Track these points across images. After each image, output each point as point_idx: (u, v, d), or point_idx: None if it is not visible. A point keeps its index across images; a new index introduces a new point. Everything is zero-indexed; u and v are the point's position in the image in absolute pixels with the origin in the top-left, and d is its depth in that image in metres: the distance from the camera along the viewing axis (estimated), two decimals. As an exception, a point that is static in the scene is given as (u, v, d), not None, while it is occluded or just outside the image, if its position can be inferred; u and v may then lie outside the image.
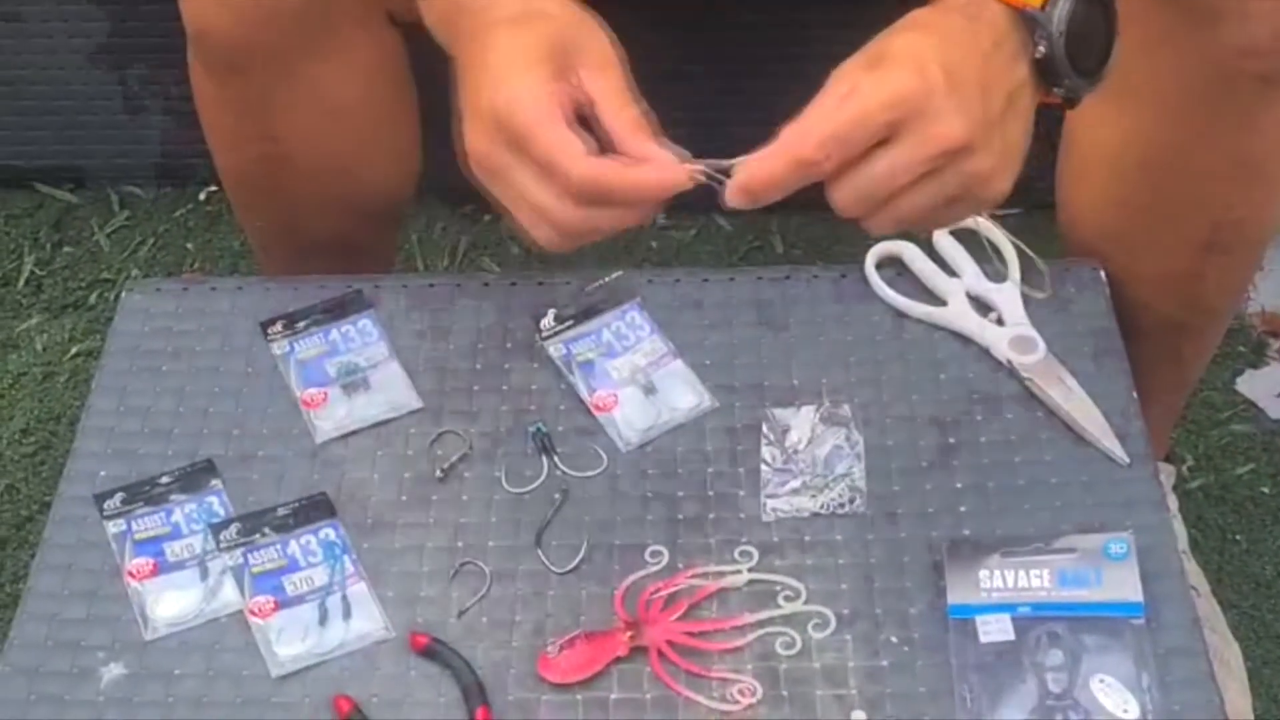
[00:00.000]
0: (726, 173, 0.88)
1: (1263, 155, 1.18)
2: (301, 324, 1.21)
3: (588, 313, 1.20)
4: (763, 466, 1.12)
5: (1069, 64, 0.89)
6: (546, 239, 0.90)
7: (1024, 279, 1.19)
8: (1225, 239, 1.23)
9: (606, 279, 1.23)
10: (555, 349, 1.19)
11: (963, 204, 0.89)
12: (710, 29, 1.67)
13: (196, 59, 1.26)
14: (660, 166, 0.88)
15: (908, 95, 0.84)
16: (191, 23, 1.23)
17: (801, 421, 1.14)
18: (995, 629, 1.01)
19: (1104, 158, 1.20)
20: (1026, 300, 1.18)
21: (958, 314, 1.19)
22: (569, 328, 1.20)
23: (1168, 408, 1.43)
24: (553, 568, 1.07)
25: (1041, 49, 0.89)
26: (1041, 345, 1.16)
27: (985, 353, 1.18)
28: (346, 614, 1.05)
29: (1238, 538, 1.57)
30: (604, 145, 0.90)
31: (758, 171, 0.86)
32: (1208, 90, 1.12)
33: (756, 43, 1.68)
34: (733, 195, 0.87)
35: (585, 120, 0.90)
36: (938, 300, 1.21)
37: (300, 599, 1.05)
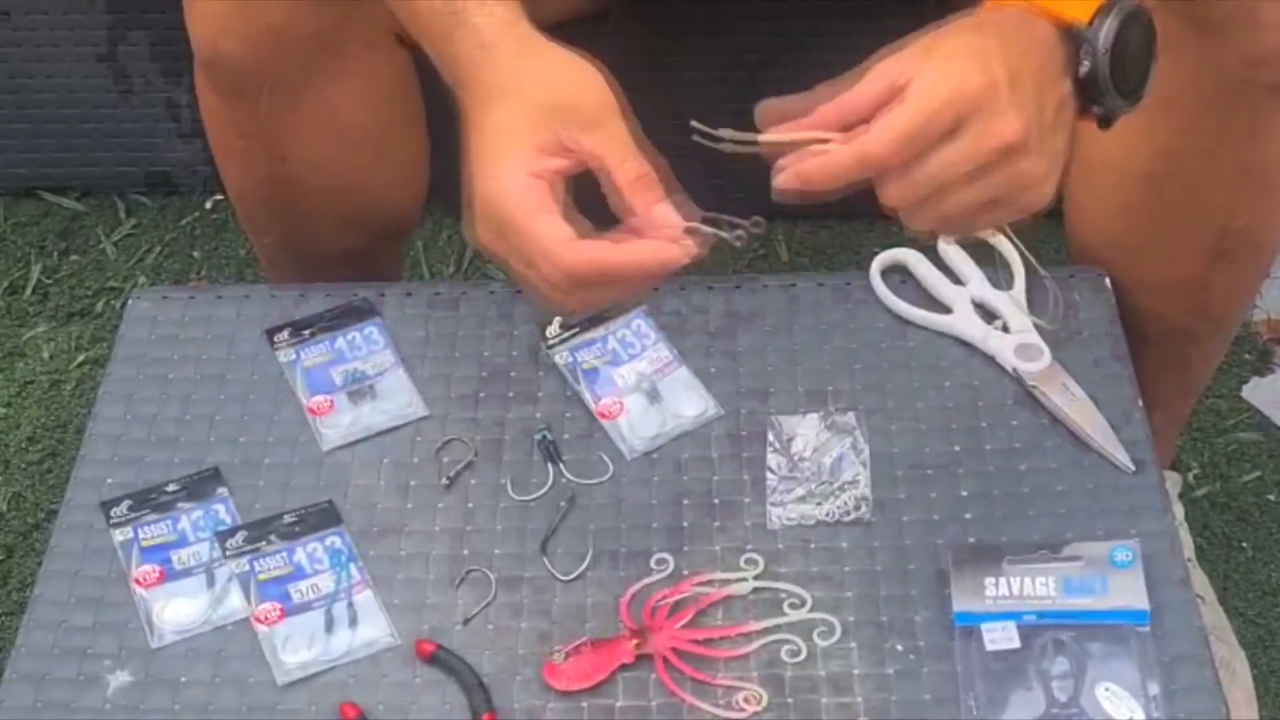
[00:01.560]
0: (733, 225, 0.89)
1: (1270, 163, 1.18)
2: (307, 331, 1.21)
3: (593, 320, 1.20)
4: (768, 474, 1.12)
5: (1111, 83, 0.89)
6: (555, 308, 0.92)
7: (1034, 309, 1.19)
8: (1232, 247, 1.23)
9: (611, 286, 1.23)
10: (561, 356, 1.19)
11: (1005, 207, 0.88)
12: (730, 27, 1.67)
13: (205, 81, 1.26)
14: (652, 246, 0.89)
15: (973, 90, 0.84)
16: (201, 48, 1.22)
17: (807, 429, 1.14)
18: (1001, 636, 1.00)
19: (1111, 165, 1.20)
20: (1036, 326, 1.18)
21: (963, 321, 1.19)
22: (574, 335, 1.20)
23: (1174, 415, 1.43)
24: (558, 575, 1.07)
25: (1086, 66, 0.88)
26: (1046, 352, 1.16)
27: (990, 360, 1.18)
28: (352, 621, 1.05)
29: (1244, 545, 1.56)
30: (612, 203, 0.91)
31: (820, 163, 0.85)
32: (1216, 99, 1.12)
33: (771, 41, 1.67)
34: (788, 180, 0.86)
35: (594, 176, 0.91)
36: (943, 308, 1.21)
37: (306, 606, 1.05)
